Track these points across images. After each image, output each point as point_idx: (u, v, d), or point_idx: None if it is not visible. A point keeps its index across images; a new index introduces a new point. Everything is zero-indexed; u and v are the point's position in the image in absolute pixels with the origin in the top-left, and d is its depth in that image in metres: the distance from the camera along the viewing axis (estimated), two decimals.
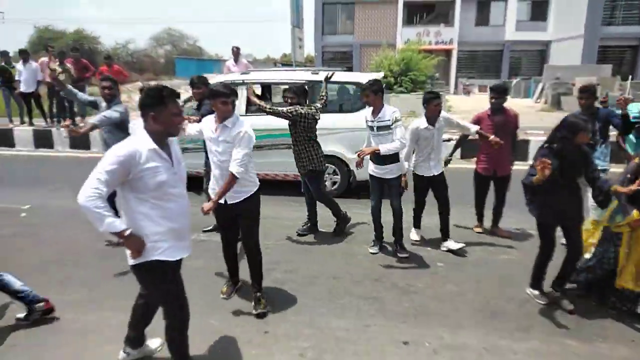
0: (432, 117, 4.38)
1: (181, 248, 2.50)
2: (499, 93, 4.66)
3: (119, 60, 35.12)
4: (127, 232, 2.26)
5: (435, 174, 4.55)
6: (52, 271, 4.17)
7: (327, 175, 6.38)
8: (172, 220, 2.41)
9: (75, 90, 4.79)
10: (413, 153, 4.63)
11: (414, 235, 4.97)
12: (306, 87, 5.10)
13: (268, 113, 4.55)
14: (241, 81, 6.42)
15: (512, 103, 4.69)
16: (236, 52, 9.76)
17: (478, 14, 29.32)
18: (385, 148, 4.16)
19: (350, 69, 27.93)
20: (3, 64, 10.66)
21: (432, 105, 4.32)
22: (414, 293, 3.80)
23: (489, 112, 4.73)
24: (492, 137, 4.37)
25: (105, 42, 43.44)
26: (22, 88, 10.19)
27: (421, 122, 4.44)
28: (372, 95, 4.23)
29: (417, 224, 5.00)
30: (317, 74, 6.39)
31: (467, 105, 16.36)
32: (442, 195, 4.60)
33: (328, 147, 5.68)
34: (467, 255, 4.52)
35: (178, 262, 2.51)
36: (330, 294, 3.78)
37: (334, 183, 6.46)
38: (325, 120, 5.11)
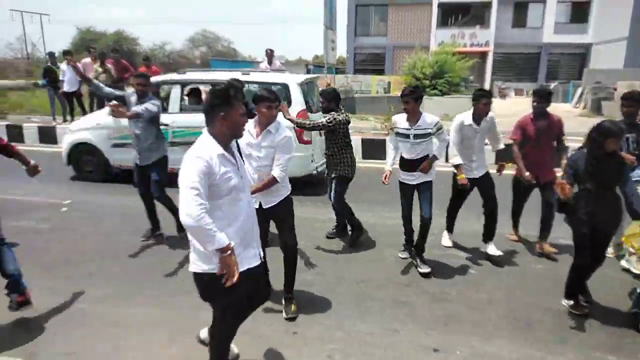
0: (480, 116, 4.31)
1: (249, 257, 2.42)
2: (542, 97, 4.47)
3: (156, 61, 36.06)
4: (232, 245, 2.20)
5: (477, 176, 4.45)
6: (84, 265, 4.32)
7: None
8: (241, 226, 2.35)
9: (101, 85, 4.97)
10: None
11: (446, 240, 4.88)
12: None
13: (307, 129, 4.59)
14: (176, 80, 6.89)
15: (550, 107, 4.55)
16: (270, 55, 9.93)
17: (515, 16, 28.56)
18: (439, 154, 4.15)
19: (382, 72, 27.85)
20: (49, 64, 11.18)
21: (481, 103, 4.23)
22: (444, 300, 3.75)
23: (531, 117, 4.58)
24: (501, 165, 4.64)
25: (143, 43, 44.71)
26: (65, 88, 10.66)
27: (466, 118, 4.33)
28: (413, 102, 4.02)
29: (450, 228, 4.90)
30: (247, 74, 6.66)
31: (507, 109, 15.76)
32: (489, 195, 4.46)
33: None
34: (503, 265, 4.40)
35: (244, 272, 2.32)
36: (358, 298, 3.77)
37: None
38: None
